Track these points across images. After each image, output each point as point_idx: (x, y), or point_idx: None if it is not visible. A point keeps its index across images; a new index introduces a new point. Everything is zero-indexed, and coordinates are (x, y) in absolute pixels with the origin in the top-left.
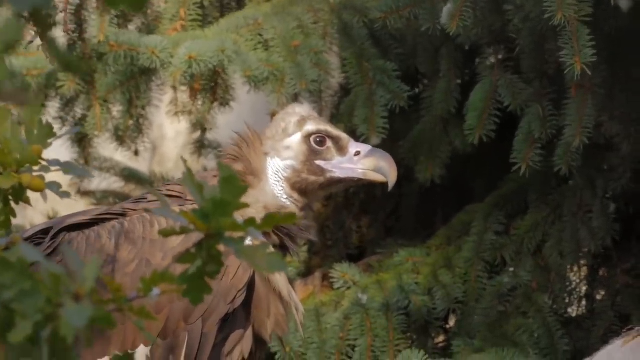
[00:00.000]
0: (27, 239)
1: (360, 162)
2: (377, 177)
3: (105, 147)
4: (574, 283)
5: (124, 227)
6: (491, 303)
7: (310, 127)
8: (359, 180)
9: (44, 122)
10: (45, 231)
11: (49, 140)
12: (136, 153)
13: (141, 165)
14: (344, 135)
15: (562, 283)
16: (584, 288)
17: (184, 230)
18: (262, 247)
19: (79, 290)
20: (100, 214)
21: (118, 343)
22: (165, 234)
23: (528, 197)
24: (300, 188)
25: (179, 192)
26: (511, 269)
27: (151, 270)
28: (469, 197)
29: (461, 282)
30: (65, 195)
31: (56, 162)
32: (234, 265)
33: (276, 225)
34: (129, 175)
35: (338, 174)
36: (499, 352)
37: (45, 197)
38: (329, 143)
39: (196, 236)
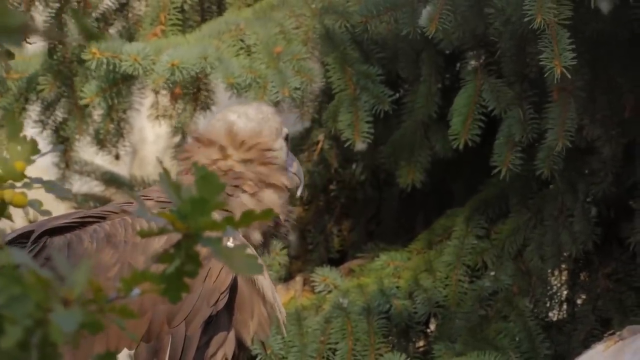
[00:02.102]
0: (8, 243)
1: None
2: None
3: (86, 151)
4: (555, 287)
5: (105, 230)
6: (472, 307)
7: (284, 129)
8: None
9: (28, 138)
10: (26, 235)
11: (33, 157)
12: (117, 157)
13: (121, 169)
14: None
15: (543, 287)
16: (565, 292)
17: (162, 231)
18: (240, 248)
19: (69, 295)
20: (82, 217)
21: (101, 346)
22: (144, 234)
23: (509, 201)
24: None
25: (157, 196)
26: (492, 273)
27: None
28: (449, 201)
29: (442, 286)
30: (45, 213)
31: (39, 180)
32: (217, 267)
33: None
34: (110, 179)
35: (293, 169)
36: (480, 355)
37: (27, 213)
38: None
39: (176, 237)
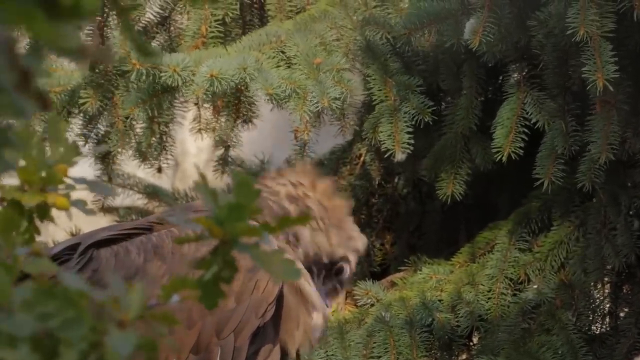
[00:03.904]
0: (54, 255)
1: (325, 305)
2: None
3: (128, 164)
4: (598, 300)
5: (152, 242)
6: (515, 320)
7: (353, 265)
8: (313, 304)
9: (70, 140)
10: (73, 247)
11: (75, 159)
12: (159, 170)
13: (164, 182)
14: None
15: (585, 300)
16: (608, 305)
17: (199, 237)
18: (277, 253)
19: (124, 317)
20: (128, 229)
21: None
22: (181, 241)
23: (552, 214)
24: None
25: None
26: (535, 286)
27: None
28: (492, 214)
29: (485, 299)
30: (90, 212)
31: (82, 180)
32: (264, 278)
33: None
34: (152, 192)
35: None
36: None
37: (70, 216)
38: (336, 282)
39: (214, 243)
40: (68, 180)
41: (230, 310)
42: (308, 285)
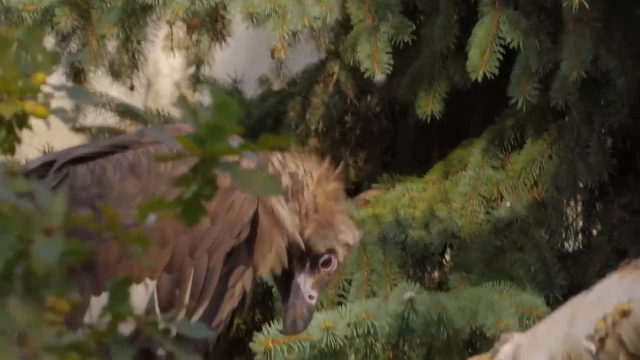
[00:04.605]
0: (30, 171)
1: (306, 301)
2: (286, 319)
3: (101, 83)
4: (571, 218)
5: (128, 160)
6: (488, 238)
7: (341, 254)
8: (292, 301)
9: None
10: (49, 164)
11: (53, 67)
12: (132, 88)
13: (136, 101)
14: (327, 284)
15: (558, 218)
16: (581, 223)
17: (179, 155)
18: (257, 171)
19: (50, 225)
20: (104, 147)
21: (124, 275)
22: (161, 158)
23: (525, 132)
24: (296, 252)
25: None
26: (508, 204)
27: None
28: (465, 132)
29: (458, 216)
30: (69, 120)
31: (61, 87)
32: (240, 199)
33: None
34: (124, 111)
35: (295, 283)
36: (495, 285)
37: (48, 125)
38: (322, 272)
39: (194, 162)
40: (46, 89)
41: (204, 230)
42: (281, 207)
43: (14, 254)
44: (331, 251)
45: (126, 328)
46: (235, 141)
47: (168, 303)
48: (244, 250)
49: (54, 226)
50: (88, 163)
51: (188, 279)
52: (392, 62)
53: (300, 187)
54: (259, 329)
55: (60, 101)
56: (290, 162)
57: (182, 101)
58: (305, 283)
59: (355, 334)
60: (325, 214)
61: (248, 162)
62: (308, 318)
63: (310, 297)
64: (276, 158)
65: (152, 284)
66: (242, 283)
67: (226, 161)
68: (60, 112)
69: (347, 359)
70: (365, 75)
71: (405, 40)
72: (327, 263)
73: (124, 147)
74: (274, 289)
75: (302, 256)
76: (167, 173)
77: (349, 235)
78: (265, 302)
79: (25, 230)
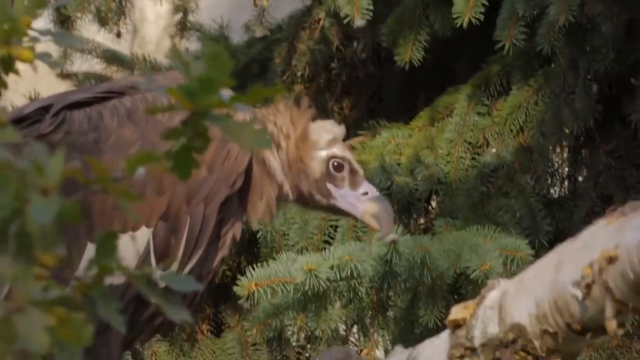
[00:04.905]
0: (26, 116)
1: (364, 202)
2: (373, 224)
3: (87, 29)
4: (556, 164)
5: (125, 106)
6: (473, 183)
7: (337, 150)
8: (355, 217)
9: None
10: (45, 108)
11: (39, 11)
12: (118, 35)
13: (122, 47)
14: (360, 172)
15: (544, 164)
16: (566, 169)
17: (170, 107)
18: (248, 124)
19: (46, 185)
20: (101, 92)
21: (119, 226)
22: (152, 111)
23: (511, 78)
24: (302, 198)
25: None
26: (493, 150)
27: None
28: (451, 79)
29: (443, 162)
30: (55, 65)
31: (47, 32)
32: (235, 148)
33: None
34: (111, 57)
35: (341, 204)
36: (480, 230)
37: (35, 69)
38: (346, 172)
39: (185, 115)
40: (32, 33)
41: (201, 179)
42: (273, 157)
43: (9, 213)
44: (330, 158)
45: (117, 279)
46: (226, 94)
47: (163, 251)
48: (235, 200)
49: (51, 186)
50: (85, 109)
51: (184, 227)
52: (372, 7)
53: (276, 144)
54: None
55: (47, 48)
56: (270, 115)
57: (174, 53)
58: (346, 195)
59: (338, 277)
60: (302, 158)
61: (243, 115)
62: (383, 207)
63: (364, 193)
64: (262, 113)
65: (148, 232)
66: (232, 232)
67: (217, 114)
68: (45, 57)
69: (331, 304)
70: (345, 21)
71: None
72: (339, 167)
73: (120, 93)
74: (259, 235)
75: (319, 184)
76: (164, 120)
77: (327, 133)
78: (251, 249)
79: (21, 188)
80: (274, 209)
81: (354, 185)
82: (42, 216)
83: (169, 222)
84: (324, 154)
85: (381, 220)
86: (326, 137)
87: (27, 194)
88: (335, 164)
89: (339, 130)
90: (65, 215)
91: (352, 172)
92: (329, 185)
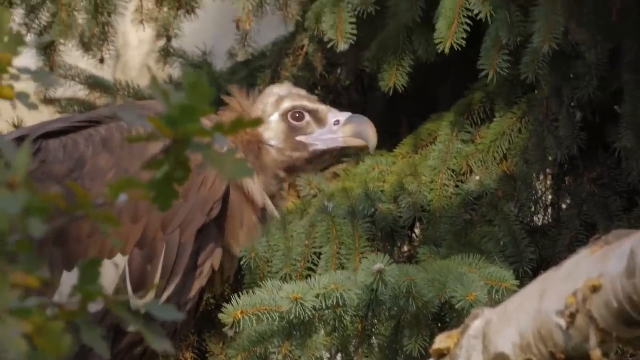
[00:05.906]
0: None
1: (340, 130)
2: (358, 143)
3: (70, 55)
4: (540, 192)
5: (101, 135)
6: (457, 211)
7: (286, 104)
8: (342, 149)
9: (14, 30)
10: (21, 138)
11: (19, 49)
12: (102, 61)
13: (105, 73)
14: (321, 107)
15: (528, 191)
16: (550, 197)
17: (150, 136)
18: (229, 153)
19: (13, 179)
20: (77, 122)
21: (95, 252)
22: (132, 140)
23: (494, 105)
24: (287, 166)
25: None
26: (477, 178)
27: None
28: (435, 106)
29: (427, 190)
30: (32, 107)
31: (26, 70)
32: (211, 176)
33: None
34: (94, 83)
35: (320, 146)
36: (465, 259)
37: (14, 106)
38: (307, 117)
39: (166, 142)
40: (12, 70)
41: (177, 206)
42: (252, 183)
43: None
44: (284, 115)
45: (96, 306)
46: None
47: (140, 279)
48: (214, 228)
49: (17, 179)
50: (61, 138)
51: (160, 255)
52: (355, 32)
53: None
54: (229, 303)
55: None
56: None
57: (153, 82)
58: (320, 136)
59: (324, 306)
60: (258, 137)
61: (221, 148)
62: (358, 122)
63: (335, 123)
64: None
65: (124, 260)
66: (211, 261)
67: (199, 142)
68: (23, 97)
69: (317, 332)
70: (329, 46)
71: (369, 11)
72: (299, 117)
73: (97, 122)
74: (243, 262)
75: (290, 143)
76: (140, 148)
77: (269, 97)
78: (235, 276)
79: None
80: (256, 236)
81: (321, 123)
82: (10, 208)
83: (145, 249)
84: (275, 116)
85: (363, 135)
86: (270, 101)
87: None
88: (296, 115)
89: (282, 88)
90: (33, 210)
91: (312, 113)
92: (300, 138)
